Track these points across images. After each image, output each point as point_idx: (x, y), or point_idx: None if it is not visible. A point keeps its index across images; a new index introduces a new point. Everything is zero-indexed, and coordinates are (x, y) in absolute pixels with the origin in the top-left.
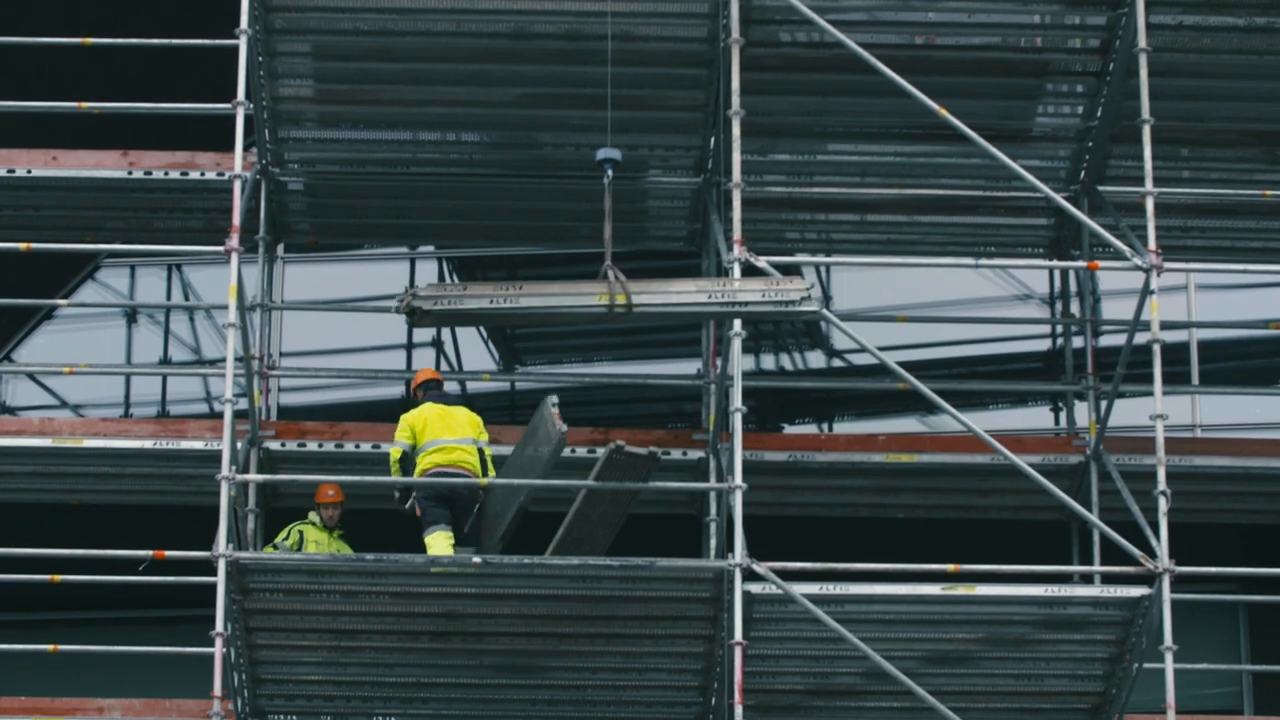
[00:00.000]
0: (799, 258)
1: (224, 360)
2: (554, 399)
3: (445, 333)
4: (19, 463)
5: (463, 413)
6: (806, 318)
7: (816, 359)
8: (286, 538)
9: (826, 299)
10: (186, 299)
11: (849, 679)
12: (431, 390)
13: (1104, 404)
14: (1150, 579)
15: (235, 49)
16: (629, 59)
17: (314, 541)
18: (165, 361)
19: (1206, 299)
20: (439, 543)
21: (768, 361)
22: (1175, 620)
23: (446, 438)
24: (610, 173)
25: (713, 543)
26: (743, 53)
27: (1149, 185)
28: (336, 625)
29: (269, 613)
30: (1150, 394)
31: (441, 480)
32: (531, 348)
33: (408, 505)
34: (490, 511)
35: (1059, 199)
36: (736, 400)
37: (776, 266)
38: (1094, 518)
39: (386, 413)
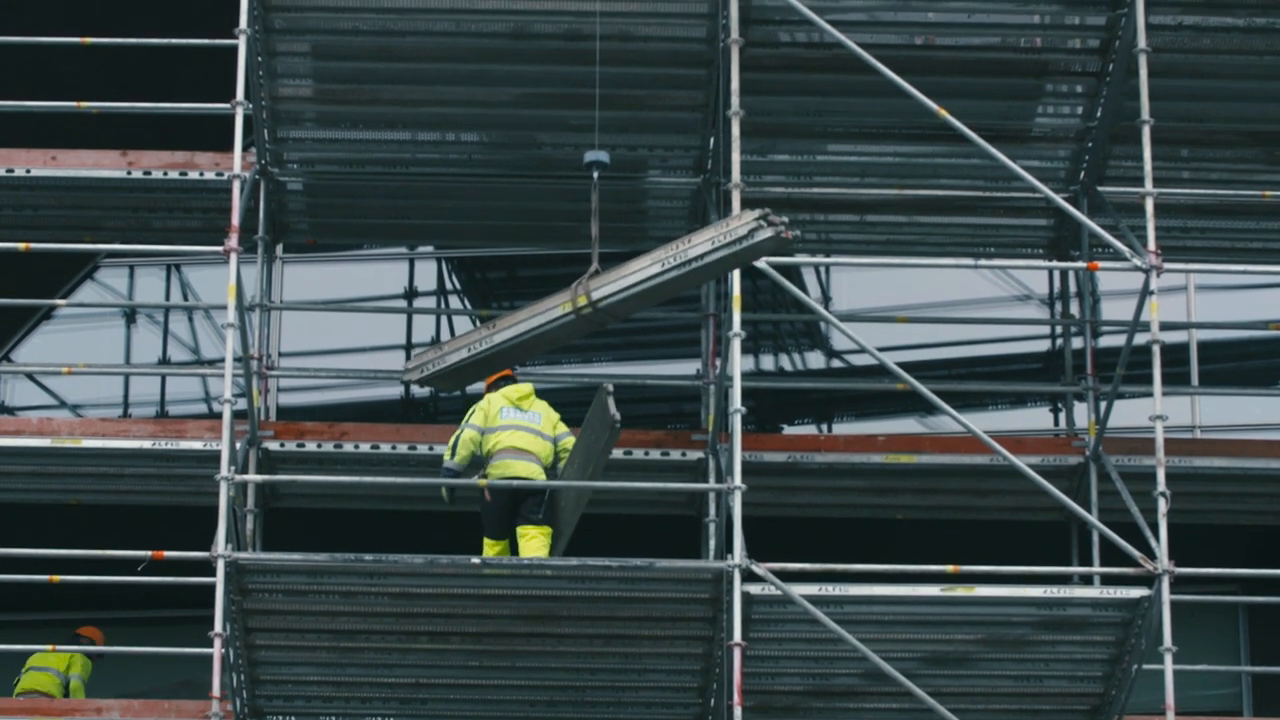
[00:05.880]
0: (798, 258)
1: (223, 360)
2: (609, 386)
3: (445, 333)
4: (18, 463)
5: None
6: (769, 251)
7: (816, 359)
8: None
9: (826, 300)
10: (185, 299)
11: (848, 680)
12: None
13: (1103, 405)
14: (1150, 580)
15: (234, 48)
16: (628, 59)
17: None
18: (164, 361)
19: (1206, 300)
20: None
21: (767, 362)
22: (1175, 621)
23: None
24: (596, 175)
25: (712, 543)
26: (742, 53)
27: (1149, 186)
28: (335, 626)
29: (268, 613)
30: (1150, 395)
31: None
32: None
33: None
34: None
35: (1059, 199)
36: (736, 401)
37: (775, 267)
38: (1093, 519)
39: (385, 413)
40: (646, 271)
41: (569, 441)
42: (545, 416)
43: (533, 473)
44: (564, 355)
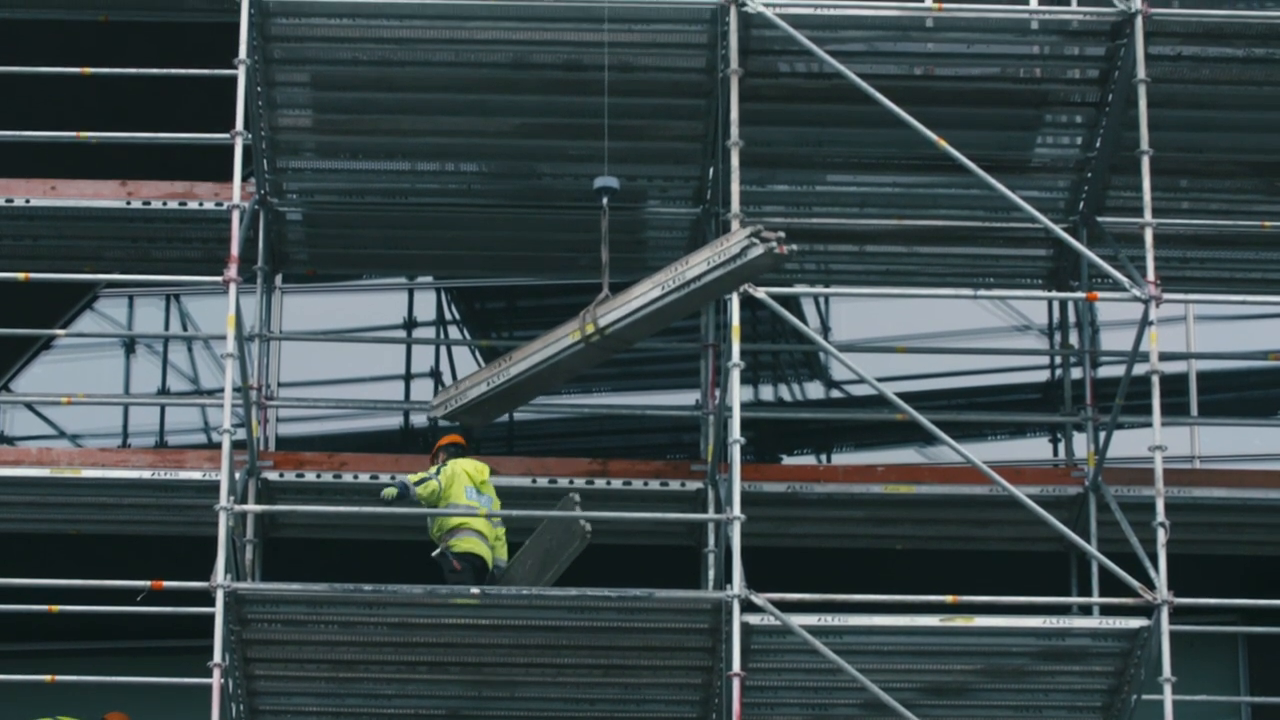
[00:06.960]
0: (797, 288)
1: (222, 390)
2: (576, 497)
3: (444, 364)
4: (17, 493)
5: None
6: (765, 267)
7: (815, 390)
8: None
9: (825, 330)
10: (185, 329)
11: (847, 710)
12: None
13: (1103, 435)
14: (1149, 610)
15: (234, 79)
16: (628, 89)
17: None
18: (163, 392)
19: (1205, 330)
20: None
21: (766, 392)
22: (1174, 651)
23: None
24: (606, 201)
25: (711, 574)
26: (741, 83)
27: (1148, 216)
28: (334, 656)
29: (267, 643)
30: (1149, 425)
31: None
32: None
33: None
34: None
35: (1058, 230)
36: (735, 431)
37: (775, 298)
38: (1093, 549)
39: (384, 443)
40: (648, 295)
41: (501, 531)
42: (493, 505)
43: (486, 555)
44: (563, 385)
